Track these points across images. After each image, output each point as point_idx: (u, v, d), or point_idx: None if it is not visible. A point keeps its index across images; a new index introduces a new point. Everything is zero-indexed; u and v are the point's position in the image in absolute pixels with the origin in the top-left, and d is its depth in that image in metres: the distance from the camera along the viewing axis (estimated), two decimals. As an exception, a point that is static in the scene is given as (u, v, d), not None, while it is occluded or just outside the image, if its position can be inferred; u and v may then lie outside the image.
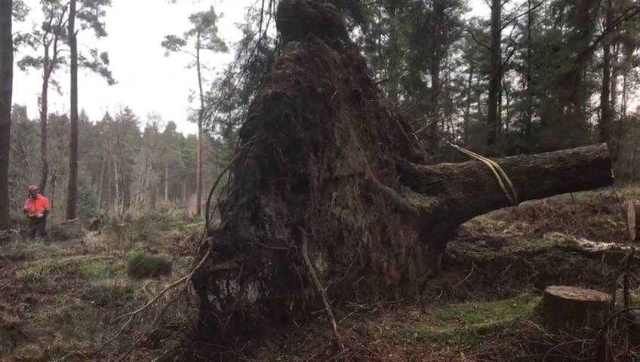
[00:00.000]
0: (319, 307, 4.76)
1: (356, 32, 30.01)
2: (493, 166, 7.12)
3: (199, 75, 54.90)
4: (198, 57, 56.09)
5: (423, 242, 6.77)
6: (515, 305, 5.19)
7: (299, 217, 5.03)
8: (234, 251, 4.45)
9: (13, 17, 23.06)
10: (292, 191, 5.11)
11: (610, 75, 32.72)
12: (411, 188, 7.12)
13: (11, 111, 21.58)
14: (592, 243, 8.73)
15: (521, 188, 6.96)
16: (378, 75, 29.56)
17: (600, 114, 33.13)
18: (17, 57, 35.16)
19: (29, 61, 38.45)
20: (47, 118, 38.07)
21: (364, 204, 5.90)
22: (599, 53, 30.65)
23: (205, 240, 4.47)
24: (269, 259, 4.65)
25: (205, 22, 54.36)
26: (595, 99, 34.53)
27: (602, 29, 25.42)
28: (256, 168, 4.77)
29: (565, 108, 32.06)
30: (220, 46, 53.71)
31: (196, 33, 55.69)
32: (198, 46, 56.12)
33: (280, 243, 4.76)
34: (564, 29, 33.01)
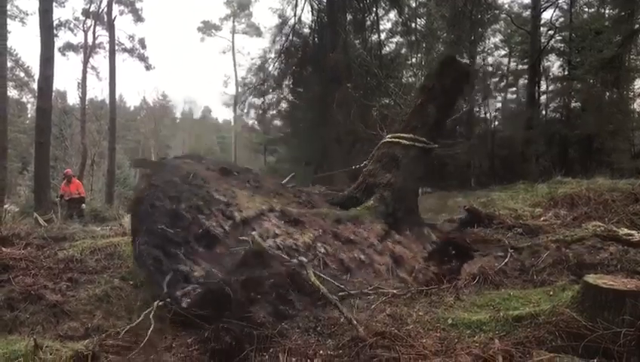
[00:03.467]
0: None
1: (392, 16, 29.70)
2: (390, 136, 7.90)
3: (234, 60, 55.37)
4: (233, 42, 56.53)
5: (399, 224, 7.18)
6: (551, 293, 5.10)
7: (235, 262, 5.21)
8: None
9: (54, 4, 23.55)
10: (207, 247, 5.39)
11: (657, 58, 31.56)
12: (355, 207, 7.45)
13: (52, 96, 22.08)
14: (633, 232, 8.48)
15: (420, 131, 7.61)
16: (414, 60, 29.13)
17: (644, 99, 32.11)
18: (58, 43, 35.97)
19: (69, 47, 39.45)
20: (87, 102, 38.95)
21: (296, 227, 6.09)
22: (645, 37, 29.62)
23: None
24: None
25: (240, 7, 54.56)
26: (640, 83, 33.42)
27: (649, 11, 24.52)
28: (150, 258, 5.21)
29: (607, 94, 31.17)
30: (255, 31, 53.89)
31: (231, 18, 56.03)
32: (234, 31, 56.51)
33: None
34: (607, 11, 32.02)
